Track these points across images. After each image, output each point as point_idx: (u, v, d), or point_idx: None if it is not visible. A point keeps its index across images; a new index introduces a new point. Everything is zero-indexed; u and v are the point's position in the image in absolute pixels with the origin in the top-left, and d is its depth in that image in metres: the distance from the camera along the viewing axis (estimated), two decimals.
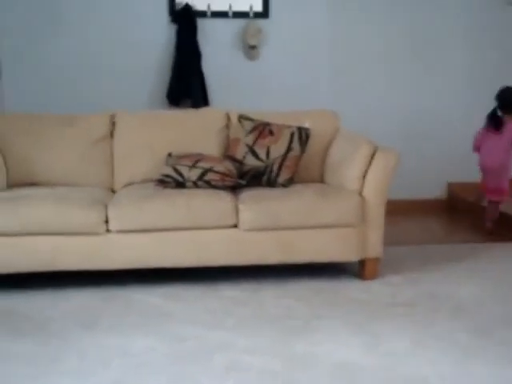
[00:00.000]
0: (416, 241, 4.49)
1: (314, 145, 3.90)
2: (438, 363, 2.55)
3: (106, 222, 3.36)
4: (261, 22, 5.24)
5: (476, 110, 5.57)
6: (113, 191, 3.84)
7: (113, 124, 3.99)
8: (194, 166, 3.55)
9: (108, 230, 3.37)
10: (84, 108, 4.61)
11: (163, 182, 3.56)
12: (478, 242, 4.44)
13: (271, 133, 3.83)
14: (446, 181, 5.61)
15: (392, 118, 5.43)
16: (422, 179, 5.49)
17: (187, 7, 5.14)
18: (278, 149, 3.77)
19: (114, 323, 2.99)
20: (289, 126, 3.84)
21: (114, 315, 3.09)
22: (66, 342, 2.77)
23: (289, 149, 3.77)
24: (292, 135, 3.79)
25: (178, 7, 5.17)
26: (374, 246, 3.55)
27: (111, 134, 3.97)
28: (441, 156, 5.56)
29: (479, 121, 5.70)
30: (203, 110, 4.33)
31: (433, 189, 5.58)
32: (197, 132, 3.99)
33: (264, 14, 5.26)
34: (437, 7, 5.44)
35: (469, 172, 5.57)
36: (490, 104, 5.46)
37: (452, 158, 5.58)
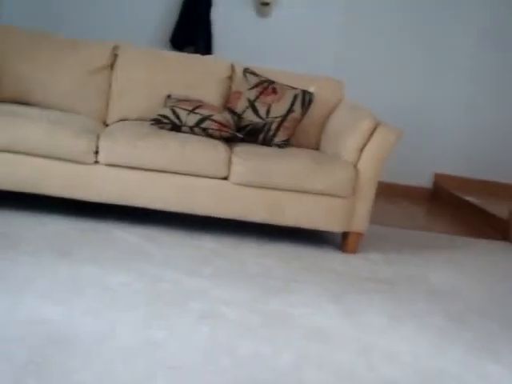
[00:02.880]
0: (398, 224, 4.50)
1: (315, 111, 3.84)
2: (412, 341, 2.55)
3: (96, 152, 3.27)
4: None
5: (470, 109, 5.59)
6: (105, 124, 3.74)
7: (115, 56, 3.88)
8: (192, 112, 3.47)
9: (96, 162, 3.28)
10: (84, 33, 4.47)
11: (159, 123, 3.47)
12: (457, 235, 4.46)
13: (274, 91, 3.76)
14: (433, 171, 5.62)
15: (390, 100, 5.38)
16: (410, 166, 5.49)
17: None
18: (278, 108, 3.70)
19: (90, 255, 2.93)
20: (293, 88, 3.77)
21: (91, 247, 3.03)
22: (39, 265, 2.71)
23: (290, 110, 3.71)
24: (295, 97, 3.73)
25: None
26: (360, 220, 3.53)
27: (111, 66, 3.85)
28: (431, 147, 5.56)
29: (474, 116, 5.72)
30: (208, 57, 4.23)
31: (420, 177, 5.59)
32: (199, 78, 3.89)
33: None
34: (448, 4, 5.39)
35: (456, 165, 5.63)
36: (487, 100, 5.47)
37: (442, 150, 5.59)
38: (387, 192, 4.98)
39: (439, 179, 5.61)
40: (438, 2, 5.38)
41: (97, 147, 3.27)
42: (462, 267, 3.65)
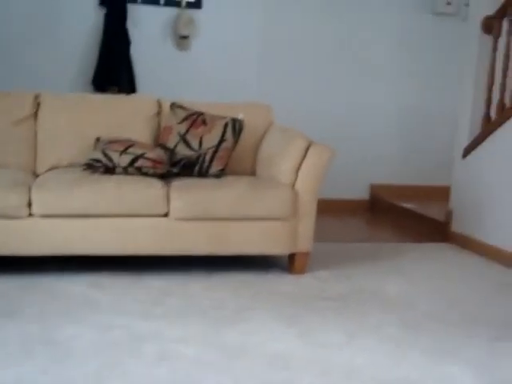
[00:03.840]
0: (341, 238, 4.55)
1: (247, 137, 3.85)
2: (371, 353, 2.57)
3: (29, 205, 3.18)
4: (193, 12, 5.17)
5: (399, 118, 5.76)
6: (35, 175, 3.64)
7: (37, 105, 3.79)
8: (124, 152, 3.42)
9: (31, 214, 3.18)
10: (2, 85, 4.36)
11: (91, 167, 3.41)
12: (400, 242, 4.55)
13: (204, 122, 3.76)
14: (368, 182, 5.73)
15: (319, 117, 5.47)
16: (346, 180, 5.58)
17: None
18: (210, 139, 3.70)
19: (35, 311, 2.82)
20: (222, 117, 3.78)
21: (36, 303, 2.92)
22: None
23: (222, 139, 3.71)
24: (225, 126, 3.74)
25: None
26: (305, 240, 3.54)
27: (35, 115, 3.77)
28: (365, 158, 5.68)
29: (401, 128, 5.89)
30: (134, 96, 4.21)
31: (356, 189, 5.68)
32: (127, 118, 3.85)
33: (197, 4, 5.18)
34: (368, 12, 5.55)
35: (390, 174, 5.76)
36: (417, 108, 5.65)
37: (375, 160, 5.71)
38: (328, 208, 5.02)
39: (375, 189, 5.72)
40: (355, 13, 5.52)
41: (29, 199, 3.17)
42: (409, 274, 3.72)
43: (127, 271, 3.42)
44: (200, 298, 3.11)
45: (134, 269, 3.45)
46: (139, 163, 3.40)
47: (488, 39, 4.37)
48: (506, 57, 4.19)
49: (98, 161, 3.40)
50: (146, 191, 3.29)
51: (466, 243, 4.39)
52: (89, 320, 2.75)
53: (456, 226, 4.56)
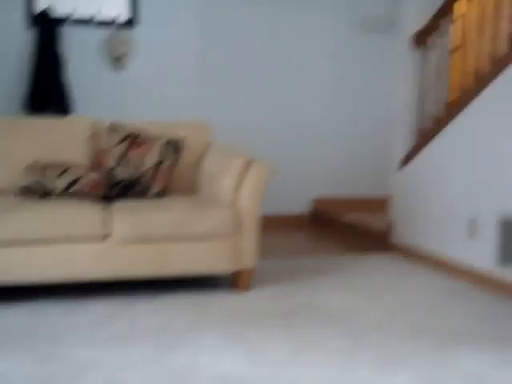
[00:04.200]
0: (285, 254, 4.56)
1: (187, 155, 3.84)
2: (319, 368, 2.56)
3: None
4: (128, 31, 5.12)
5: (337, 131, 5.84)
6: None
7: None
8: (61, 176, 3.34)
9: None
10: None
11: (27, 192, 3.31)
12: (344, 255, 4.59)
13: (143, 143, 3.71)
14: (310, 197, 5.78)
15: (258, 133, 5.50)
16: (288, 195, 5.62)
17: (48, 11, 4.89)
18: (150, 159, 3.66)
19: None
20: (162, 136, 3.75)
21: None
22: None
23: (162, 159, 3.67)
24: (165, 146, 3.70)
25: (38, 11, 4.90)
26: (248, 257, 3.53)
27: None
28: (305, 173, 5.73)
29: (340, 141, 5.98)
30: (69, 118, 4.12)
31: (299, 204, 5.72)
32: (63, 140, 3.77)
33: (131, 23, 5.15)
34: (303, 31, 5.64)
35: (331, 188, 5.83)
36: (355, 121, 5.74)
37: (315, 174, 5.77)
38: (271, 224, 5.04)
39: (318, 204, 5.77)
40: (293, 30, 5.60)
41: None
42: (353, 286, 3.75)
43: (68, 297, 3.32)
44: (145, 322, 3.05)
45: (76, 293, 3.36)
46: (76, 186, 3.33)
47: (418, 54, 4.50)
48: (436, 70, 4.32)
49: (33, 185, 3.30)
50: (84, 215, 3.22)
51: (408, 253, 4.47)
52: (28, 350, 2.65)
53: (397, 237, 4.65)
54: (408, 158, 4.55)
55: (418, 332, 3.00)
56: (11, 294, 3.28)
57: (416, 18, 4.48)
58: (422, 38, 4.43)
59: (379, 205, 5.33)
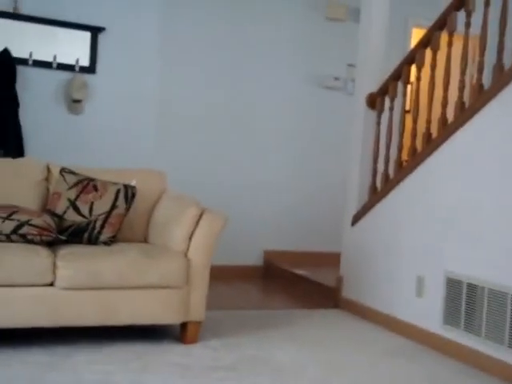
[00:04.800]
0: (234, 306, 4.53)
1: (139, 203, 3.81)
2: None
3: None
4: (87, 76, 5.13)
5: (291, 186, 5.91)
6: None
7: None
8: (8, 218, 3.26)
9: None
10: None
11: None
12: (293, 309, 4.58)
13: (95, 188, 3.68)
14: (262, 248, 5.79)
15: (212, 184, 5.52)
16: (240, 246, 5.62)
17: (5, 52, 4.86)
18: (102, 205, 3.62)
19: None
20: (115, 183, 3.72)
21: None
22: None
23: (113, 206, 3.63)
24: (118, 192, 3.67)
25: None
26: (197, 308, 3.49)
27: None
28: (258, 225, 5.76)
29: (294, 196, 6.04)
30: (21, 160, 4.05)
31: (250, 256, 5.72)
32: (13, 182, 3.69)
33: (91, 68, 5.17)
34: (262, 82, 5.76)
35: (283, 241, 5.86)
36: (309, 176, 5.81)
37: (268, 227, 5.80)
38: (221, 274, 5.01)
39: (269, 256, 5.78)
40: (250, 83, 5.71)
41: None
42: (300, 341, 3.73)
43: (5, 344, 3.20)
44: (86, 373, 2.95)
45: (14, 341, 3.24)
46: (24, 230, 3.25)
47: (372, 114, 4.63)
48: (389, 131, 4.45)
49: None
50: (30, 260, 3.13)
51: (356, 309, 4.49)
52: None
53: (346, 292, 4.67)
54: (359, 215, 4.62)
55: None
56: None
57: (371, 80, 4.62)
58: (376, 99, 4.57)
59: (332, 260, 5.36)
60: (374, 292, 4.36)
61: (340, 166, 5.69)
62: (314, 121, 5.96)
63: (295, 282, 5.31)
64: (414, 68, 4.31)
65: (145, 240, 3.85)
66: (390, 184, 4.33)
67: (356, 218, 4.66)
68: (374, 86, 4.59)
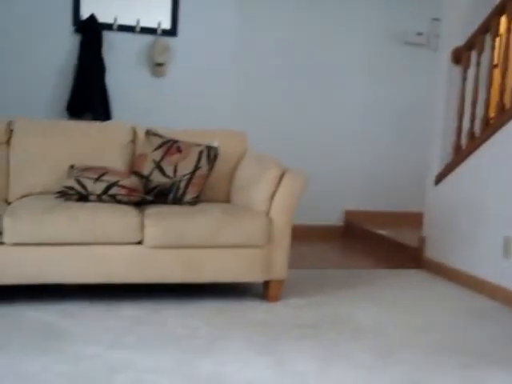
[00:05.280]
0: (315, 265, 4.57)
1: (221, 164, 3.88)
2: (343, 382, 2.57)
3: (0, 233, 3.14)
4: (168, 39, 5.21)
5: (372, 144, 5.83)
6: (7, 202, 3.61)
7: (10, 131, 3.77)
8: (98, 179, 3.41)
9: (2, 243, 3.15)
10: None
11: (65, 194, 3.39)
12: (374, 269, 4.57)
13: (179, 150, 3.77)
14: (343, 208, 5.78)
15: (292, 144, 5.52)
16: (321, 206, 5.62)
17: (92, 18, 5.01)
18: (185, 166, 3.71)
19: (3, 343, 2.77)
20: (197, 144, 3.80)
21: (4, 335, 2.87)
22: None
23: (196, 167, 3.72)
24: (200, 153, 3.75)
25: (83, 18, 5.02)
26: (279, 267, 3.55)
27: (8, 142, 3.75)
28: (339, 184, 5.74)
29: (375, 155, 5.97)
30: (109, 123, 4.20)
31: (331, 216, 5.73)
32: (101, 145, 3.85)
33: (172, 31, 5.23)
34: (338, 43, 5.65)
35: (364, 201, 5.81)
36: (386, 139, 5.71)
37: (349, 187, 5.77)
38: (302, 234, 5.05)
39: (350, 216, 5.77)
40: (327, 40, 5.62)
41: (1, 228, 3.14)
42: (381, 301, 3.73)
43: (99, 300, 3.39)
44: (173, 327, 3.09)
45: (107, 297, 3.42)
46: (113, 191, 3.39)
47: (457, 69, 4.47)
48: (475, 87, 4.29)
49: (71, 188, 3.38)
50: (120, 219, 3.28)
51: (439, 269, 4.44)
52: (59, 350, 2.71)
53: (429, 253, 4.61)
54: (443, 175, 4.51)
55: (445, 351, 2.97)
56: (44, 295, 3.35)
57: (457, 34, 4.45)
58: (462, 54, 4.40)
59: (413, 220, 5.29)
60: (459, 252, 4.28)
61: (422, 125, 5.55)
62: (394, 78, 5.81)
63: (376, 243, 5.29)
64: (503, 19, 4.11)
65: (227, 200, 3.93)
66: (475, 142, 4.20)
67: (440, 177, 4.56)
68: (459, 41, 4.42)
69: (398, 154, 5.84)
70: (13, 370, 2.50)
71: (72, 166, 3.61)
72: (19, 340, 2.81)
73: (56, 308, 3.23)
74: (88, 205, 3.33)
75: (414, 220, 5.20)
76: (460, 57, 4.42)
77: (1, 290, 3.25)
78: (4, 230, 3.14)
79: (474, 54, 4.34)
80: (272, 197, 3.54)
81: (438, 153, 4.60)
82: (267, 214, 3.53)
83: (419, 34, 5.80)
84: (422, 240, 4.69)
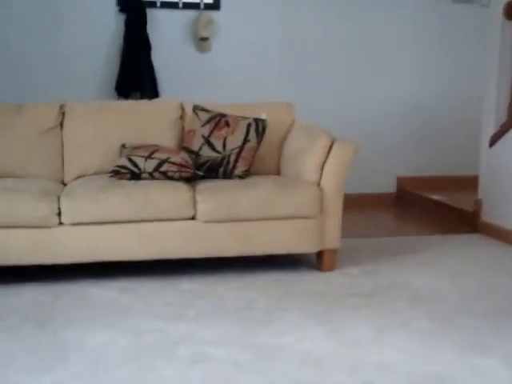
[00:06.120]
0: (369, 233, 4.54)
1: (270, 136, 3.86)
2: (402, 350, 2.56)
3: (59, 214, 3.23)
4: (212, 13, 5.19)
5: (423, 108, 5.71)
6: (64, 183, 3.70)
7: (62, 114, 3.85)
8: (149, 157, 3.45)
9: (61, 223, 3.24)
10: (29, 97, 4.42)
11: (118, 174, 3.44)
12: (428, 235, 4.51)
13: (227, 124, 3.77)
14: (395, 175, 5.70)
15: (341, 113, 5.45)
16: (372, 173, 5.56)
17: None
18: (234, 140, 3.71)
19: (67, 318, 2.87)
20: (245, 118, 3.79)
21: (68, 310, 2.97)
22: (17, 339, 2.64)
23: (245, 140, 3.72)
24: (248, 126, 3.75)
25: None
26: (332, 237, 3.54)
27: (61, 124, 3.83)
28: (390, 151, 5.65)
29: (426, 119, 5.84)
30: (157, 101, 4.23)
31: (382, 183, 5.66)
32: (151, 123, 3.88)
33: (215, 5, 5.20)
34: (386, 7, 5.52)
35: (416, 167, 5.72)
36: (438, 102, 5.57)
37: (400, 153, 5.68)
38: (354, 203, 5.00)
39: (402, 182, 5.68)
40: (374, 6, 5.50)
41: (59, 208, 3.23)
42: (438, 267, 3.69)
43: (157, 275, 3.46)
44: (230, 300, 3.14)
45: (164, 273, 3.49)
46: (165, 168, 3.43)
47: (511, 25, 4.30)
48: None
49: (123, 167, 3.43)
50: (173, 195, 3.32)
51: (497, 233, 4.34)
52: (121, 325, 2.79)
53: (486, 216, 4.51)
54: (498, 136, 4.39)
55: (504, 314, 2.93)
56: (104, 272, 3.45)
57: None
58: None
59: (468, 184, 5.17)
60: None
61: (475, 85, 5.38)
62: (444, 38, 5.64)
63: (430, 208, 5.21)
64: None
65: (277, 172, 3.93)
66: None
67: (494, 139, 4.43)
68: None
69: (450, 117, 5.70)
70: (78, 344, 2.59)
71: (123, 145, 3.67)
72: (82, 315, 2.90)
73: (116, 284, 3.31)
74: (140, 182, 3.38)
75: (469, 184, 5.09)
76: None
77: (62, 268, 3.35)
78: (62, 211, 3.23)
79: None
80: (322, 167, 3.52)
81: (493, 113, 4.46)
82: (318, 184, 3.51)
83: None
84: (478, 203, 4.59)
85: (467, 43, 5.63)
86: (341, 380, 2.31)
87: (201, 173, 3.60)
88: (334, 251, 3.58)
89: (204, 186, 3.45)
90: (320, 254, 3.59)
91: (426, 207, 5.27)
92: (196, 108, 3.88)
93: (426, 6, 5.59)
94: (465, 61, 5.66)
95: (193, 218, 3.37)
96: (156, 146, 3.60)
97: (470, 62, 5.61)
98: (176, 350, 2.55)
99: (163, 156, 3.47)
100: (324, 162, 3.52)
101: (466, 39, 5.64)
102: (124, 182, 3.40)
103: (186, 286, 3.32)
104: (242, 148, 3.69)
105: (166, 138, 3.83)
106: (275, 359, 2.48)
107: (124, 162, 3.46)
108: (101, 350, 2.54)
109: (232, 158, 3.67)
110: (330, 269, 3.57)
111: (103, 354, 2.50)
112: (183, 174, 3.48)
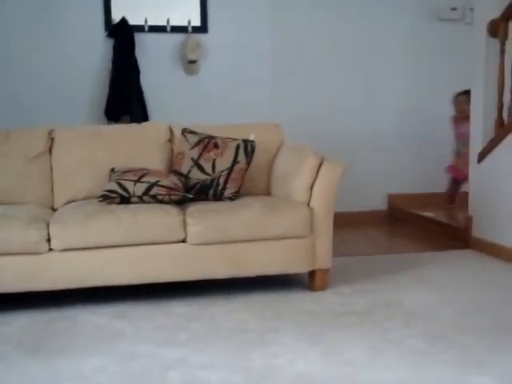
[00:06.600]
0: (361, 251, 4.54)
1: (259, 157, 3.87)
2: (396, 369, 2.55)
3: (48, 240, 3.22)
4: (200, 36, 5.23)
5: (412, 126, 5.75)
6: (53, 209, 3.69)
7: (51, 140, 3.85)
8: (139, 181, 3.45)
9: (51, 249, 3.22)
10: (18, 121, 4.44)
11: (107, 198, 3.44)
12: (421, 252, 4.51)
13: (216, 146, 3.78)
14: (386, 192, 5.72)
15: (332, 131, 5.48)
16: (363, 191, 5.58)
17: (123, 22, 5.07)
18: (223, 162, 3.72)
19: (59, 345, 2.84)
20: (234, 139, 3.81)
21: (59, 337, 2.94)
22: (8, 367, 2.61)
23: (235, 161, 3.73)
24: (237, 148, 3.76)
25: (114, 21, 5.08)
26: (323, 256, 3.54)
27: (50, 150, 3.83)
28: (380, 169, 5.68)
29: (416, 136, 5.87)
30: (146, 125, 4.23)
31: (374, 200, 5.67)
32: (140, 147, 3.89)
33: (202, 28, 5.25)
34: (376, 20, 5.59)
35: (407, 184, 5.74)
36: (432, 115, 5.59)
37: (391, 170, 5.70)
38: (346, 221, 5.01)
39: (393, 199, 5.70)
40: (363, 22, 5.56)
41: (48, 234, 3.21)
42: (431, 284, 3.68)
43: (149, 299, 3.44)
44: (223, 322, 3.12)
45: (156, 296, 3.47)
46: (154, 191, 3.43)
47: (495, 42, 4.35)
48: None
49: (113, 192, 3.43)
50: (163, 218, 3.32)
51: (488, 249, 4.35)
52: (113, 351, 2.77)
53: (477, 232, 4.52)
54: (486, 152, 4.42)
55: (499, 331, 2.92)
56: (94, 297, 3.42)
57: (492, 5, 4.34)
58: (498, 26, 4.28)
59: (459, 200, 5.20)
60: (508, 230, 4.19)
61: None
62: (431, 56, 5.70)
63: (421, 225, 5.22)
64: None
65: (267, 192, 3.93)
66: None
67: (482, 155, 4.46)
68: (495, 13, 4.30)
69: (439, 133, 5.73)
70: (71, 371, 2.56)
71: (113, 170, 3.67)
72: (74, 342, 2.87)
73: (106, 309, 3.29)
74: (130, 207, 3.38)
75: (459, 200, 5.11)
76: (497, 29, 4.30)
77: (52, 294, 3.33)
78: (51, 237, 3.21)
79: (511, 26, 4.22)
80: (311, 187, 3.53)
81: (480, 130, 4.50)
82: (308, 204, 3.52)
83: (453, 8, 5.68)
84: (469, 219, 4.61)
85: (453, 60, 5.68)
86: None
87: (190, 195, 3.60)
88: (325, 270, 3.57)
89: (194, 209, 3.45)
90: (312, 274, 3.59)
91: (418, 224, 5.28)
92: (185, 131, 3.89)
93: (411, 23, 5.66)
94: (448, 78, 5.67)
95: (183, 241, 3.36)
96: (145, 169, 3.60)
97: (458, 78, 5.65)
98: (169, 374, 2.53)
99: (152, 179, 3.47)
100: (313, 182, 3.53)
101: (451, 56, 5.69)
102: (113, 206, 3.40)
103: (178, 309, 3.30)
104: (231, 169, 3.70)
105: (155, 161, 3.83)
106: (270, 381, 2.45)
107: (113, 186, 3.45)
108: (93, 377, 2.52)
109: (222, 180, 3.67)
110: (323, 288, 3.57)
111: (96, 381, 2.47)
112: (173, 197, 3.48)
